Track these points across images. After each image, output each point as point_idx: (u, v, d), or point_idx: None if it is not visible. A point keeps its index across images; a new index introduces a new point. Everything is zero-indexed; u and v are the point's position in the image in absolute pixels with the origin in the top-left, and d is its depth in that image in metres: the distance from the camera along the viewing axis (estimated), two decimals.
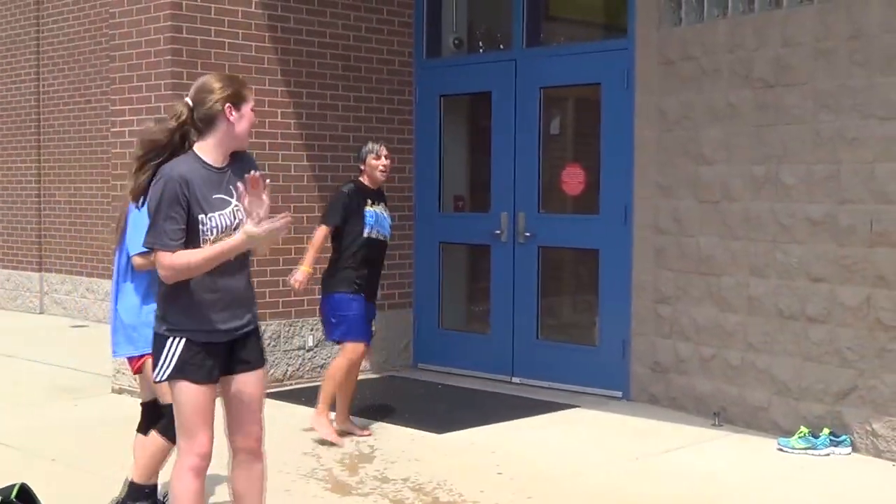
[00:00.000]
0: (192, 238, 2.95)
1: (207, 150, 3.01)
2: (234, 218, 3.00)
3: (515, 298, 6.64)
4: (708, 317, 5.54)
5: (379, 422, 5.50)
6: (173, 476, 3.08)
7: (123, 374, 6.20)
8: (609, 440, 5.19)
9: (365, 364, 5.84)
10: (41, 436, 5.22)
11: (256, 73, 6.26)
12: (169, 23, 5.95)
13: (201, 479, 3.06)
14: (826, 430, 4.88)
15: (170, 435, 3.41)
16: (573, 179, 6.50)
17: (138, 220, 3.42)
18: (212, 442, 3.05)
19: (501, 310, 6.73)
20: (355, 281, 5.07)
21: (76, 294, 9.65)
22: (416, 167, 7.15)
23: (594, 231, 6.25)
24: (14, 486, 3.53)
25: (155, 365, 3.07)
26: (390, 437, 5.20)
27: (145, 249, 3.21)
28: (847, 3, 4.92)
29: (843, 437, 4.87)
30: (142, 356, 3.69)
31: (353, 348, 5.09)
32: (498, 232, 6.71)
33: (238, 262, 3.06)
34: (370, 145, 5.21)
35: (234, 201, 3.01)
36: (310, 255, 5.06)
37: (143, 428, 3.85)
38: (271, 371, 6.41)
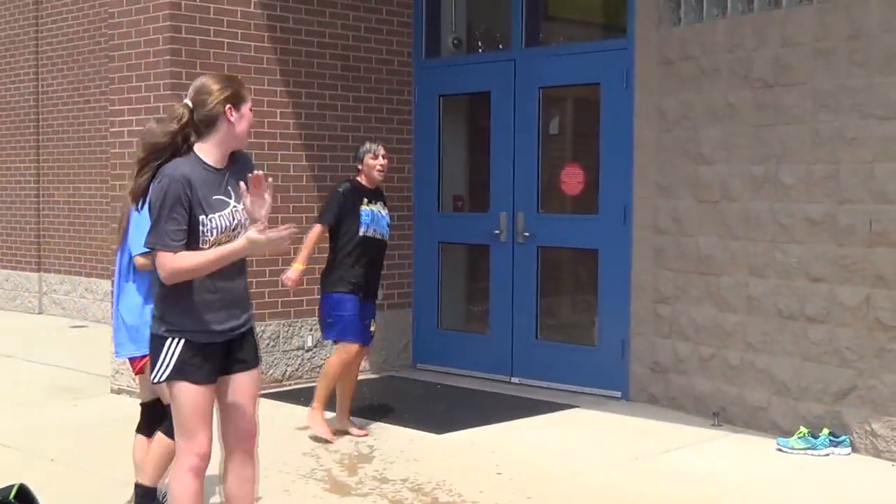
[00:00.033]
0: (191, 239, 2.95)
1: (208, 150, 3.01)
2: (233, 219, 3.01)
3: (514, 298, 6.63)
4: (707, 317, 5.54)
5: (378, 422, 5.49)
6: (172, 477, 3.08)
7: (122, 374, 6.19)
8: (608, 440, 5.18)
9: (364, 364, 5.83)
10: (40, 436, 5.22)
11: (255, 73, 6.26)
12: (168, 23, 5.94)
13: (200, 479, 3.06)
14: (825, 431, 4.88)
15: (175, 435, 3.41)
16: (572, 179, 6.49)
17: (140, 220, 3.42)
18: (211, 442, 3.05)
19: (500, 310, 6.73)
20: (351, 280, 5.07)
21: (75, 294, 9.64)
22: (416, 167, 7.14)
23: (593, 231, 6.25)
24: (13, 486, 3.51)
25: (153, 366, 3.06)
26: (389, 438, 5.19)
27: (147, 249, 3.21)
28: (846, 3, 4.92)
29: (843, 438, 4.86)
30: (144, 356, 3.68)
31: (346, 348, 5.11)
32: (497, 232, 6.70)
33: (237, 264, 3.06)
34: (367, 145, 5.22)
35: (232, 202, 3.01)
36: (303, 254, 5.09)
37: (143, 428, 3.85)
38: (270, 371, 6.41)
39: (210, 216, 2.96)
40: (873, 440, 4.81)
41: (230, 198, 3.01)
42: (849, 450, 4.84)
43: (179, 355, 2.98)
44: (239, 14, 6.21)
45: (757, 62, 5.27)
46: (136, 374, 3.91)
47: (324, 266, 5.23)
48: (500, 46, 6.97)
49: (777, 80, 5.19)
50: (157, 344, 3.04)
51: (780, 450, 4.91)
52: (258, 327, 6.26)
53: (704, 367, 5.57)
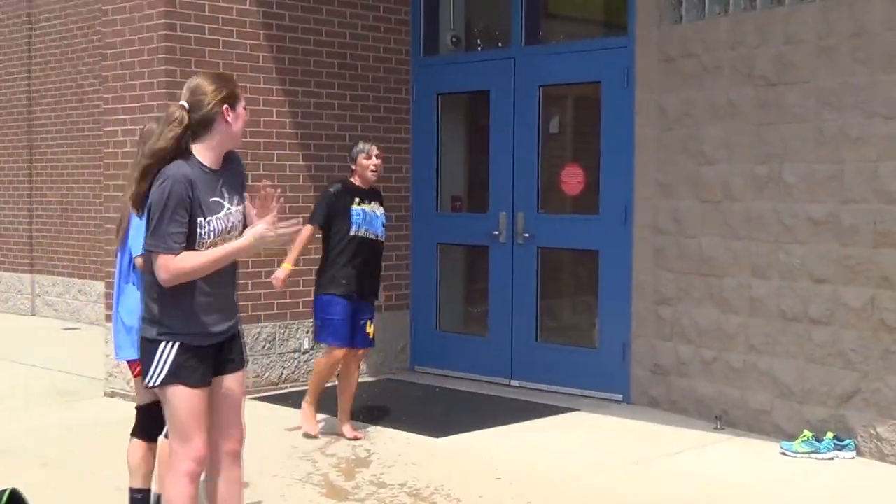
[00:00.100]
0: (188, 242, 2.94)
1: (204, 152, 3.00)
2: (228, 222, 3.02)
3: (514, 300, 6.59)
4: (709, 318, 5.49)
5: (375, 425, 5.46)
6: (168, 482, 3.05)
7: (116, 377, 6.14)
8: (609, 444, 5.15)
9: (362, 367, 5.79)
10: (32, 440, 5.17)
11: (251, 72, 6.22)
12: (162, 20, 5.89)
13: (196, 483, 3.04)
14: (829, 434, 4.85)
15: None
16: (573, 179, 6.45)
17: (141, 222, 3.38)
18: (207, 446, 3.03)
19: (500, 311, 6.68)
20: (342, 281, 5.08)
21: (68, 296, 9.57)
22: (413, 166, 7.10)
23: (594, 231, 6.21)
24: (4, 491, 3.49)
25: (146, 370, 3.04)
26: (387, 442, 5.16)
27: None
28: (849, 1, 4.89)
29: (847, 441, 4.83)
30: None
31: (330, 352, 5.16)
32: (496, 232, 6.66)
33: (230, 267, 3.07)
34: (361, 145, 5.23)
35: (226, 204, 3.01)
36: (292, 254, 5.12)
37: (138, 432, 3.81)
38: (266, 374, 6.36)
39: (208, 219, 2.96)
40: (878, 444, 4.77)
41: (225, 200, 3.01)
42: (853, 454, 4.81)
43: (174, 359, 2.97)
44: (234, 11, 6.16)
45: (759, 60, 5.24)
46: (134, 377, 3.86)
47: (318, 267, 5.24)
48: (500, 44, 6.94)
49: (780, 79, 5.16)
50: (150, 348, 3.02)
51: (783, 454, 4.88)
52: (254, 329, 6.28)
53: (706, 369, 5.52)
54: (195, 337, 2.99)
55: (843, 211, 4.91)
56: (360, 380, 5.42)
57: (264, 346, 6.35)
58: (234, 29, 6.16)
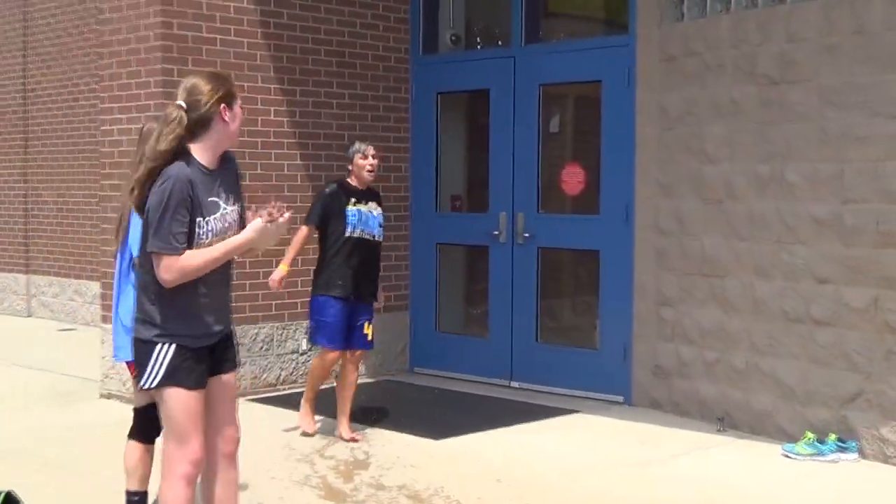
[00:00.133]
0: (188, 242, 2.95)
1: (202, 152, 2.99)
2: (225, 222, 3.02)
3: (514, 301, 6.56)
4: (711, 319, 5.46)
5: (374, 427, 5.44)
6: (164, 485, 3.03)
7: (112, 378, 6.10)
8: (610, 446, 5.12)
9: (361, 368, 5.76)
10: (28, 442, 5.14)
11: (249, 70, 6.18)
12: (159, 18, 5.86)
13: (193, 486, 3.03)
14: (833, 436, 4.82)
15: None
16: (573, 179, 6.42)
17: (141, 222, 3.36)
18: (203, 448, 3.02)
19: (500, 312, 6.65)
20: (338, 282, 5.08)
21: (64, 297, 9.53)
22: (413, 166, 7.06)
23: (595, 231, 6.18)
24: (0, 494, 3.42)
25: (141, 372, 3.02)
26: (386, 443, 5.13)
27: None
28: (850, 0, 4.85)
29: (851, 443, 4.81)
30: None
31: (323, 354, 5.19)
32: (496, 232, 6.62)
33: (226, 265, 3.08)
34: (357, 145, 5.23)
35: (223, 204, 3.01)
36: (288, 255, 5.14)
37: (135, 434, 3.77)
38: (264, 375, 6.34)
39: (207, 219, 2.95)
40: (882, 446, 4.75)
41: (221, 200, 3.00)
42: (857, 456, 4.78)
43: (171, 360, 2.96)
44: (232, 10, 6.12)
45: (762, 58, 5.22)
46: (133, 378, 3.81)
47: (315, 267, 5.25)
48: (500, 43, 6.92)
49: (782, 77, 5.13)
50: (145, 349, 3.00)
51: (786, 456, 4.85)
52: (252, 330, 6.24)
53: (709, 370, 5.49)
54: (194, 338, 2.98)
55: (845, 211, 4.89)
56: (358, 381, 5.39)
57: (262, 348, 6.31)
58: (232, 27, 6.13)
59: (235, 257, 3.11)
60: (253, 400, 6.02)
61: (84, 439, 5.22)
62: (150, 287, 2.96)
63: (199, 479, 3.11)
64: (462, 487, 4.37)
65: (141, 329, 3.01)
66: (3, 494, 3.41)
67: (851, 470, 4.65)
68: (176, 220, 2.87)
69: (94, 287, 8.45)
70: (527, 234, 6.49)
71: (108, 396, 6.13)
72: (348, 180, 5.19)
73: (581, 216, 6.42)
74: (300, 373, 6.48)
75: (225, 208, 3.00)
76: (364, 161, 5.14)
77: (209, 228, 2.95)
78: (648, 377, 5.87)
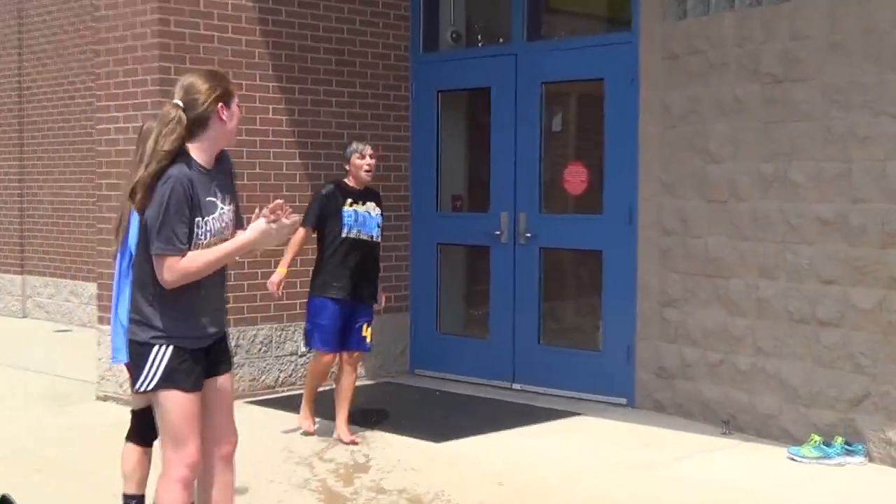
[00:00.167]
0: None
1: (200, 151, 2.97)
2: (222, 222, 3.00)
3: (516, 302, 6.52)
4: (716, 320, 5.42)
5: (374, 430, 5.41)
6: (160, 488, 3.01)
7: (108, 380, 6.06)
8: (612, 449, 5.09)
9: (360, 370, 5.73)
10: (24, 444, 5.11)
11: (247, 68, 6.14)
12: (156, 16, 5.81)
13: (190, 490, 3.03)
14: (839, 439, 4.79)
15: None
16: (575, 178, 6.38)
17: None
18: (200, 451, 3.00)
19: (501, 313, 6.61)
20: (335, 284, 5.07)
21: (59, 297, 9.47)
22: (413, 165, 7.02)
23: (597, 231, 6.13)
24: None
25: (137, 374, 2.99)
26: (386, 446, 5.10)
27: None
28: None
29: (857, 446, 4.78)
30: None
31: (317, 356, 5.19)
32: (498, 232, 6.58)
33: (223, 268, 3.07)
34: (355, 145, 5.21)
35: (220, 203, 2.99)
36: (286, 257, 5.13)
37: (133, 436, 3.74)
38: (263, 377, 6.30)
39: (205, 219, 2.94)
40: (889, 449, 4.72)
41: (218, 199, 2.99)
42: (863, 459, 4.75)
43: (168, 362, 2.94)
44: (230, 7, 6.08)
45: (766, 56, 5.19)
46: (130, 380, 3.75)
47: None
48: (501, 40, 6.89)
49: (786, 75, 5.10)
50: (141, 351, 2.98)
51: (791, 459, 4.82)
52: (250, 332, 6.18)
53: (713, 372, 5.45)
54: (192, 340, 2.96)
55: (851, 211, 4.86)
56: (358, 383, 5.37)
57: (260, 349, 6.26)
58: (230, 24, 6.08)
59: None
60: (251, 402, 5.97)
61: (83, 440, 5.19)
62: (148, 288, 2.94)
63: (195, 482, 3.08)
64: (463, 491, 4.34)
65: (137, 331, 2.98)
66: None
67: (858, 473, 4.62)
68: (179, 221, 2.85)
69: (91, 288, 8.39)
70: (528, 234, 6.45)
71: (105, 399, 6.09)
72: (345, 181, 5.17)
73: (583, 216, 6.38)
74: (299, 375, 6.42)
75: (222, 208, 2.98)
76: (361, 161, 5.11)
77: (208, 229, 2.93)
78: (652, 379, 5.82)
